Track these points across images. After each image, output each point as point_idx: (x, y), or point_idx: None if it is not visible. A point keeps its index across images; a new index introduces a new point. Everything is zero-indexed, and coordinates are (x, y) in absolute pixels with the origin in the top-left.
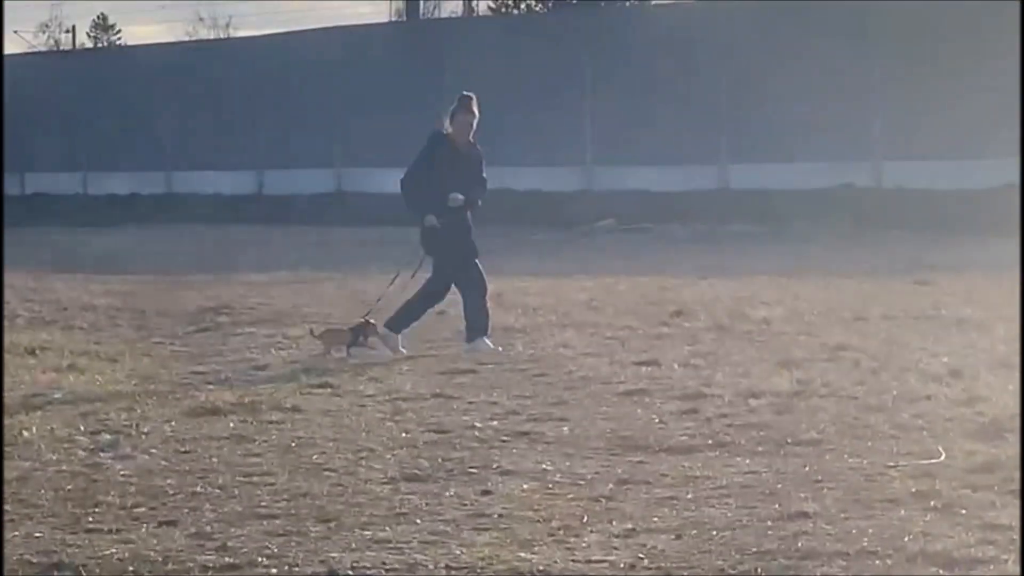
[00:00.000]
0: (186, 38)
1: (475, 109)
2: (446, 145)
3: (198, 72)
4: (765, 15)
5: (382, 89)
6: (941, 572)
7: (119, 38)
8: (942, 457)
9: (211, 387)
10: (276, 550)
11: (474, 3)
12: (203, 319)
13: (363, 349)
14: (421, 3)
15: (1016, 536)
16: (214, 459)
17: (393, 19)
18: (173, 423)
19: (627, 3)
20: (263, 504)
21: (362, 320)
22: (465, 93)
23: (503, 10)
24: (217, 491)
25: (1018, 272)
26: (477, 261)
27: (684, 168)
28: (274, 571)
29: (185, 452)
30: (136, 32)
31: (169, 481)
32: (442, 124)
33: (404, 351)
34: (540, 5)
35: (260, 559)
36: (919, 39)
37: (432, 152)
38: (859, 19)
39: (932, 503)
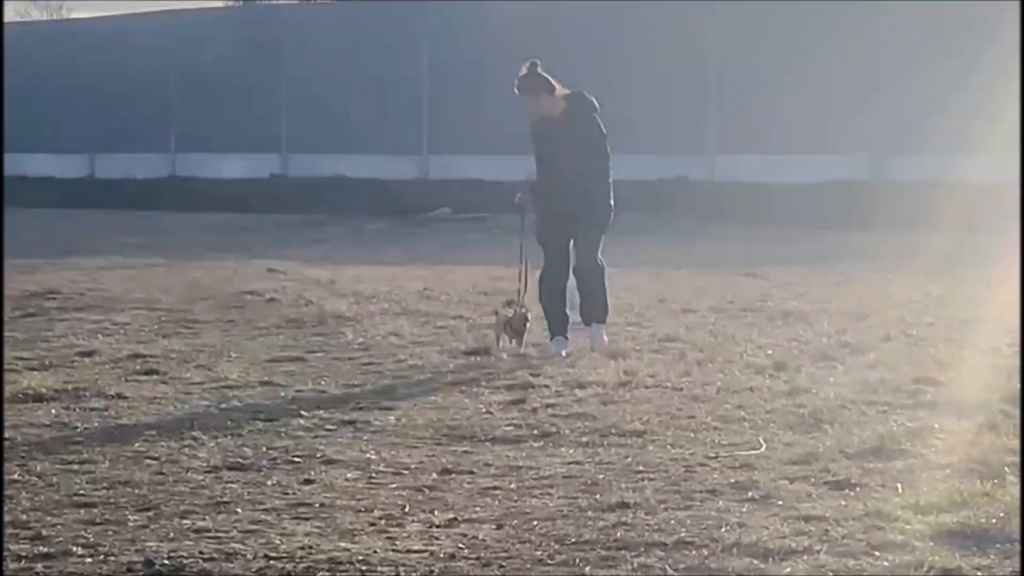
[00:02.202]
0: (18, 19)
1: (538, 75)
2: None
3: (30, 54)
4: (603, 12)
5: (218, 74)
6: (755, 562)
7: None
8: (762, 448)
9: (35, 373)
10: (92, 539)
11: None
12: (30, 304)
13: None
14: None
15: (829, 527)
16: (34, 446)
17: (229, 4)
18: None
19: None
20: (81, 492)
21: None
22: (530, 60)
23: None
24: (35, 479)
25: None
26: (562, 248)
27: (521, 158)
28: (89, 560)
29: (4, 439)
30: None
31: None
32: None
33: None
34: None
35: (75, 548)
36: (754, 36)
37: (530, 123)
38: (695, 16)
39: (750, 494)
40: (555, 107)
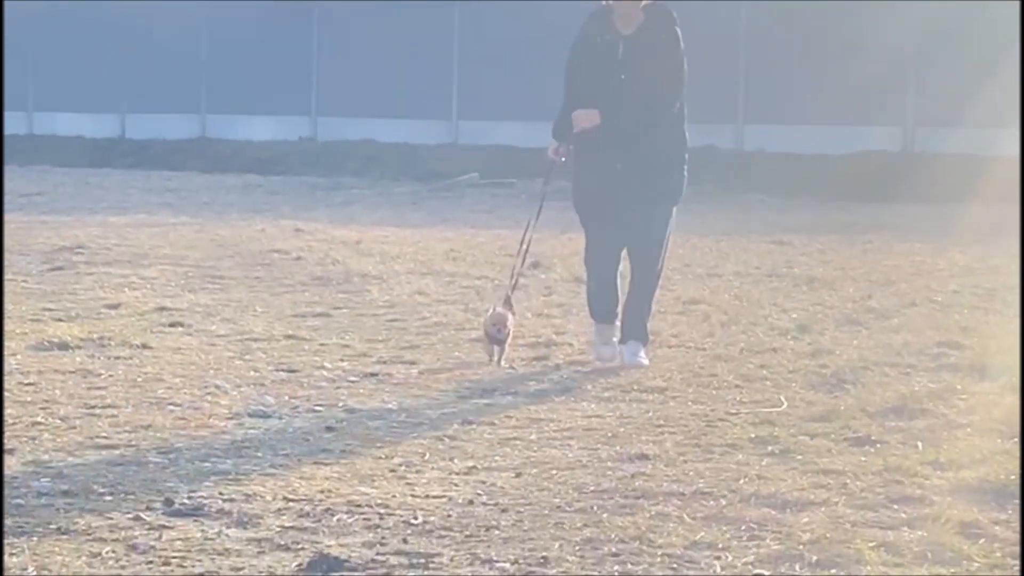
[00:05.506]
0: None
1: None
2: (602, 29)
3: (62, 12)
4: None
5: (249, 36)
6: (773, 512)
7: None
8: (783, 406)
9: (61, 323)
10: (112, 478)
11: None
12: (58, 258)
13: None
14: None
15: (847, 480)
16: (58, 391)
17: None
18: (19, 356)
19: None
20: (103, 435)
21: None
22: None
23: None
24: (58, 422)
25: None
26: (611, 224)
27: (548, 124)
28: (109, 498)
29: (29, 384)
30: None
31: (10, 411)
32: None
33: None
34: None
35: (96, 487)
36: (786, 4)
37: (580, 42)
38: None
39: (770, 448)
40: (634, 19)
